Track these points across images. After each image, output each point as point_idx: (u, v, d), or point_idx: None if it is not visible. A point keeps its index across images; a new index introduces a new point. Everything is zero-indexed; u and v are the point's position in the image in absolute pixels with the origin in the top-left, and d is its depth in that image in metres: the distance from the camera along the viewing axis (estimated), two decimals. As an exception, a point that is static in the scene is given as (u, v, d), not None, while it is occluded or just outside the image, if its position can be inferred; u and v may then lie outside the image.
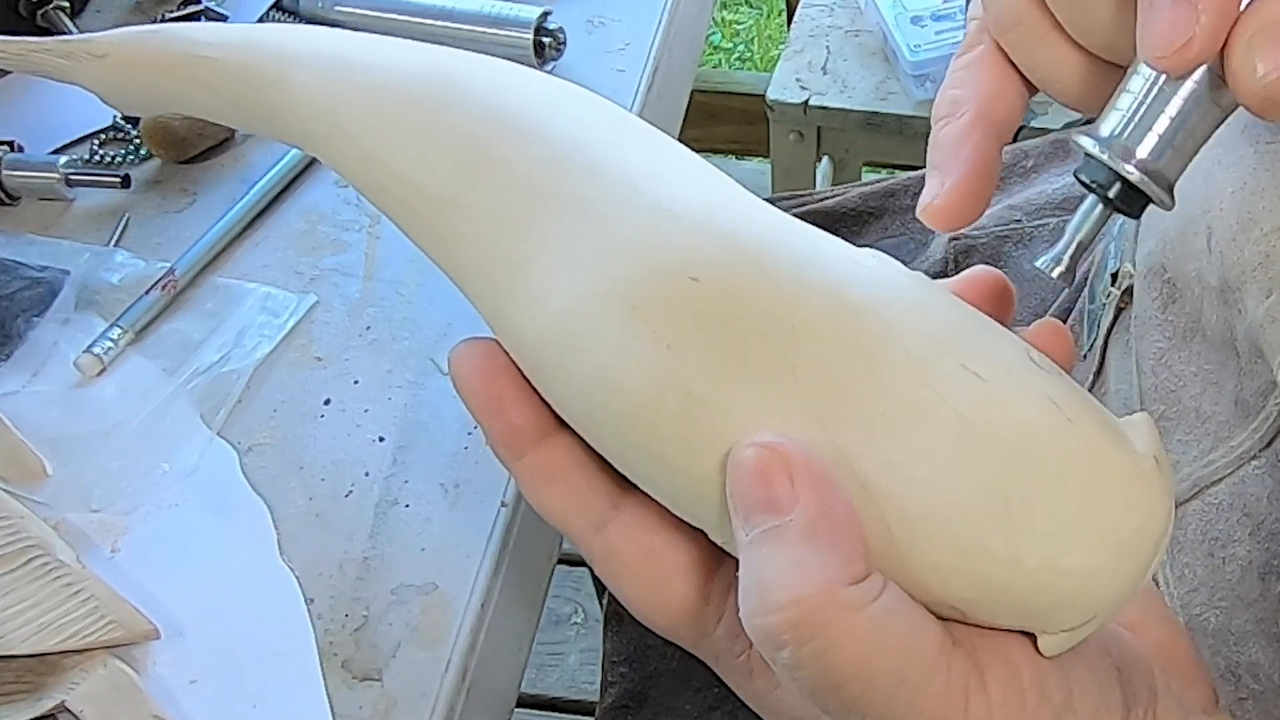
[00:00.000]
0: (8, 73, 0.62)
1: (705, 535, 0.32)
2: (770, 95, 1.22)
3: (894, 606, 0.28)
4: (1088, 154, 0.30)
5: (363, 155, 0.36)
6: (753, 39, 2.07)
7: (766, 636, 0.27)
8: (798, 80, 1.23)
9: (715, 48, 2.04)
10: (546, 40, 0.60)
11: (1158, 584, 0.44)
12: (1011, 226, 0.69)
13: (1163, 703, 0.31)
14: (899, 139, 1.21)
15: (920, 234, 0.73)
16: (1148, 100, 0.29)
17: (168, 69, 0.40)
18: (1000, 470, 0.28)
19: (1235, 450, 0.41)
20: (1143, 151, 0.29)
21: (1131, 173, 0.29)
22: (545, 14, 0.60)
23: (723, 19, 2.08)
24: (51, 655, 0.40)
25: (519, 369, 0.33)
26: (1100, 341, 0.52)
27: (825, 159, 1.28)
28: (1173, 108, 0.29)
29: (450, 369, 0.34)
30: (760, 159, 1.55)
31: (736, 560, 0.32)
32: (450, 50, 0.37)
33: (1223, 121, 0.30)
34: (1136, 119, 0.29)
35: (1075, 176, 0.31)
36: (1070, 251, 0.31)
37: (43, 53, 0.43)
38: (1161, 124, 0.29)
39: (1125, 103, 0.29)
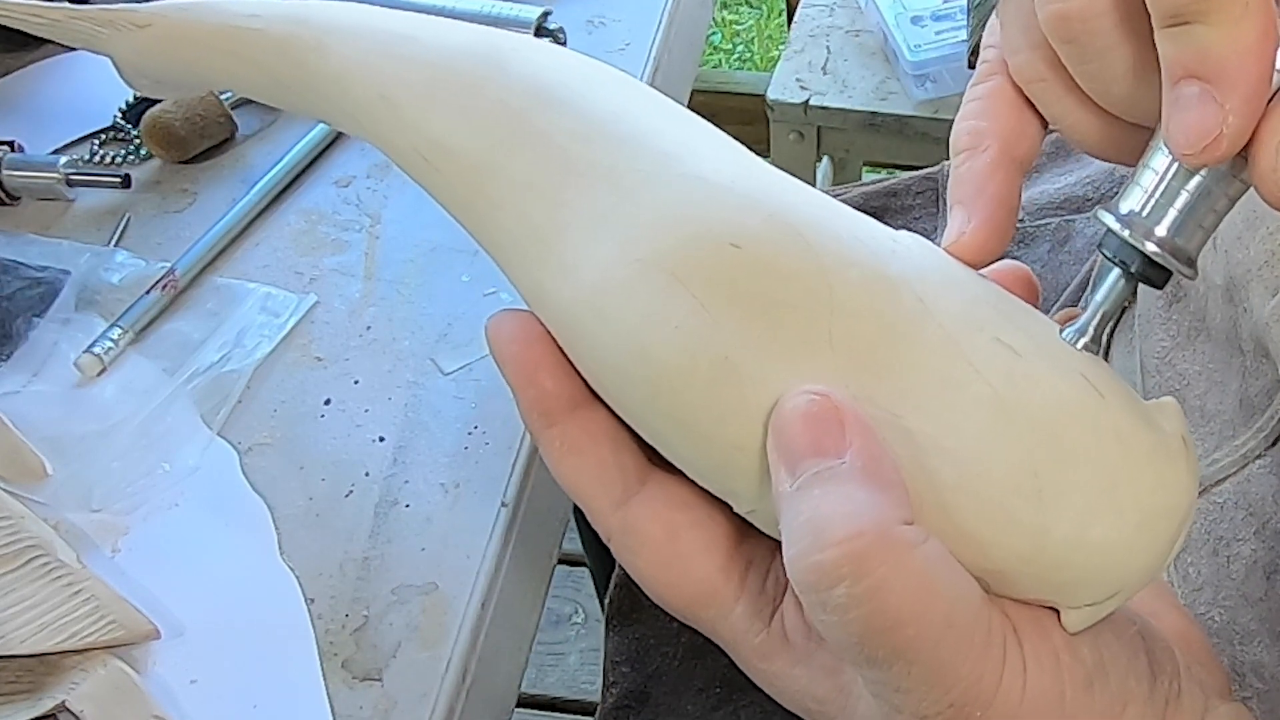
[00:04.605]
0: (9, 72, 0.62)
1: (728, 515, 0.32)
2: (770, 95, 1.22)
3: (941, 550, 0.28)
4: (1110, 230, 0.30)
5: (403, 124, 0.36)
6: (753, 39, 2.07)
7: (821, 575, 0.27)
8: (798, 80, 1.22)
9: (715, 48, 2.04)
10: (546, 40, 0.60)
11: (1161, 583, 0.44)
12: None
13: (1185, 680, 0.31)
14: (899, 139, 1.21)
15: (923, 234, 0.73)
16: (1169, 177, 0.29)
17: (209, 40, 0.40)
18: (1031, 443, 0.28)
19: (1240, 449, 0.41)
20: (1163, 229, 0.29)
21: (1153, 250, 0.29)
22: (545, 14, 0.60)
23: (723, 19, 2.08)
24: (51, 655, 0.40)
25: (554, 340, 0.33)
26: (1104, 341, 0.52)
27: (825, 159, 1.28)
28: (1193, 184, 0.29)
29: (487, 336, 0.34)
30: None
31: (759, 539, 0.32)
32: (489, 28, 0.37)
33: (1244, 194, 0.29)
34: (1158, 196, 0.29)
35: (1099, 250, 0.31)
36: (1095, 323, 0.31)
37: (83, 20, 0.43)
38: (1182, 200, 0.29)
39: (1147, 179, 0.29)
